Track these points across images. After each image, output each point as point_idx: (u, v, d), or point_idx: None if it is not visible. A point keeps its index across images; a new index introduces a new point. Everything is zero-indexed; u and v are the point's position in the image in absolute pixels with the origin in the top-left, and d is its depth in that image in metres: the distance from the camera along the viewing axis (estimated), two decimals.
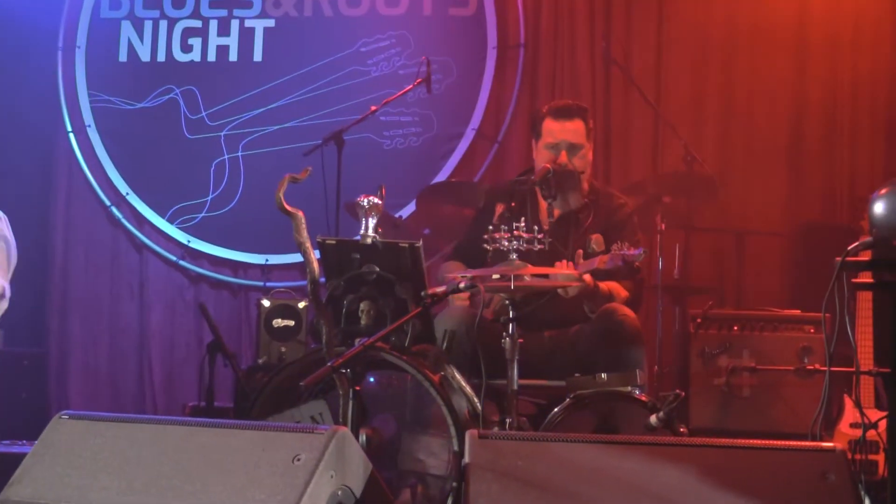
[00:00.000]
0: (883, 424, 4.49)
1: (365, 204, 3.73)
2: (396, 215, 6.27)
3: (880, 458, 4.64)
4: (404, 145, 6.72)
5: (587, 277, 4.05)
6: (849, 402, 5.04)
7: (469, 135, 6.67)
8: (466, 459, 2.77)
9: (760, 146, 6.40)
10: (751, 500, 2.69)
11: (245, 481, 2.73)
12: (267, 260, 6.76)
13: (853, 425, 5.02)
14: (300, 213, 3.56)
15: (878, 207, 3.08)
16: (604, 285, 4.21)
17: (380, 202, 3.74)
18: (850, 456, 4.03)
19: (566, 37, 6.61)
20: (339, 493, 2.70)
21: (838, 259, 3.25)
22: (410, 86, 6.12)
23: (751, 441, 2.84)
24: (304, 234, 3.57)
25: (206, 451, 2.83)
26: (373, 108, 6.03)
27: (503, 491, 2.71)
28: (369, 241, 3.73)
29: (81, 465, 2.90)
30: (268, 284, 6.61)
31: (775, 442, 2.84)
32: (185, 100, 6.85)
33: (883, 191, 3.10)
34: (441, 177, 6.62)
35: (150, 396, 6.71)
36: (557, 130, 4.47)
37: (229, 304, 6.84)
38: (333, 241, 3.81)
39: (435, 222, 5.99)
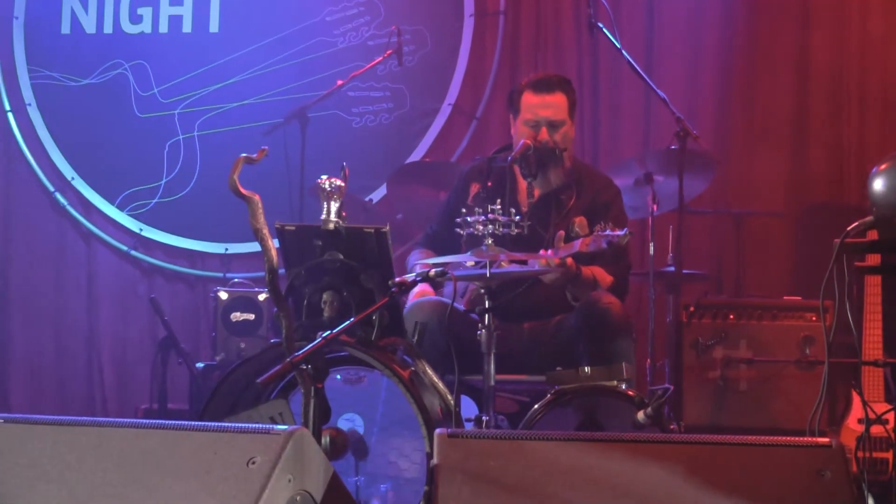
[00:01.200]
0: (892, 419, 4.55)
1: (326, 186, 3.74)
2: (366, 199, 6.28)
3: (890, 455, 4.67)
4: (374, 123, 6.72)
5: (569, 261, 4.07)
6: (857, 397, 5.07)
7: (445, 110, 6.68)
8: (435, 460, 2.79)
9: (761, 119, 6.43)
10: (740, 499, 2.72)
11: (196, 487, 2.74)
12: (227, 249, 6.77)
13: (861, 421, 5.06)
14: (256, 197, 3.56)
15: (878, 184, 3.11)
16: (587, 270, 4.23)
17: (342, 184, 3.75)
18: (859, 454, 4.10)
19: (549, 2, 6.62)
20: (298, 498, 2.71)
21: (837, 241, 3.28)
22: (380, 58, 6.13)
23: (741, 437, 2.87)
24: (261, 219, 3.57)
25: (154, 455, 2.84)
26: (339, 82, 6.05)
27: (474, 494, 2.73)
28: (331, 226, 3.74)
29: (18, 472, 2.90)
30: (228, 275, 6.62)
31: (767, 438, 2.86)
32: (135, 75, 6.85)
33: (883, 166, 3.13)
34: (415, 157, 6.63)
35: (99, 399, 6.72)
36: (537, 105, 4.49)
37: (186, 297, 6.84)
38: (293, 228, 3.82)
39: (408, 206, 6.00)
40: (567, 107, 4.51)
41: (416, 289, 4.36)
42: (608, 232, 3.87)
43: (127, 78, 6.86)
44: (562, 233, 4.13)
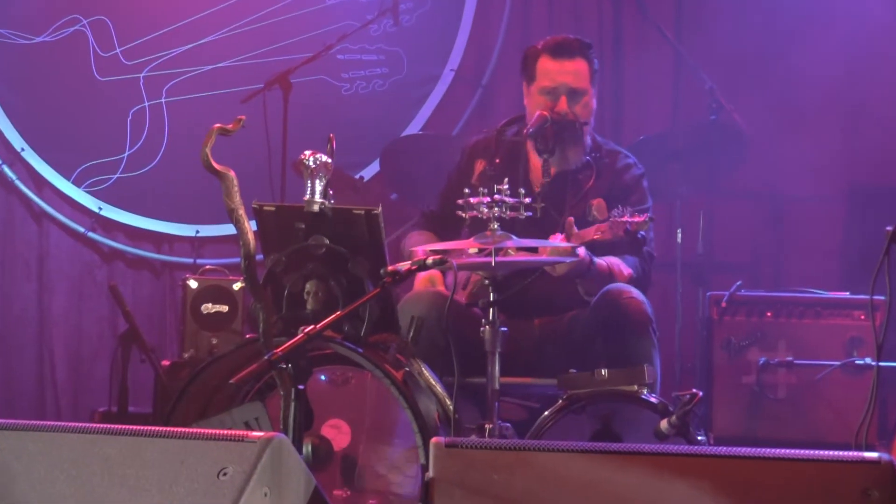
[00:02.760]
0: None
1: (310, 163, 3.74)
2: (356, 176, 6.28)
3: None
4: (367, 90, 6.72)
5: (581, 251, 4.07)
6: None
7: (447, 77, 6.68)
8: (430, 473, 2.79)
9: (805, 90, 6.42)
10: None
11: (160, 501, 2.74)
12: (198, 231, 6.77)
13: None
14: (231, 173, 3.56)
15: None
16: (602, 262, 4.23)
17: (328, 160, 3.75)
18: None
19: None
20: None
21: (890, 229, 3.29)
22: (373, 16, 6.13)
23: (778, 451, 2.87)
24: (237, 198, 3.58)
25: (112, 464, 2.84)
26: (328, 44, 6.04)
27: None
28: (316, 207, 3.74)
29: None
30: (199, 262, 6.62)
31: (808, 453, 2.87)
32: (95, 33, 6.83)
33: None
34: (412, 129, 6.63)
35: (51, 400, 6.71)
36: (555, 71, 4.50)
37: (151, 286, 6.85)
38: (273, 208, 3.83)
39: (404, 185, 6.01)
40: (589, 74, 4.52)
41: (420, 277, 4.37)
42: (627, 218, 3.87)
43: (86, 36, 6.84)
44: (571, 219, 4.13)
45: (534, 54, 4.57)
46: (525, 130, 4.39)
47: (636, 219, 3.86)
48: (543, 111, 4.42)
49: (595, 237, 3.97)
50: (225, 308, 5.74)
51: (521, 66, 4.63)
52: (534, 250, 4.03)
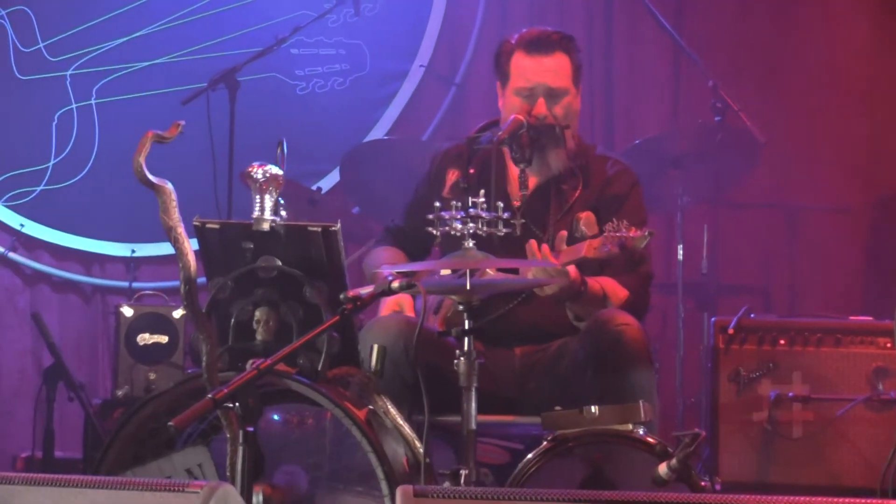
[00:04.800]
0: None
1: (258, 176, 3.74)
2: (314, 188, 6.29)
3: None
4: (324, 89, 6.75)
5: (571, 270, 4.09)
6: None
7: (415, 74, 6.71)
8: None
9: (823, 86, 6.47)
10: None
11: None
12: (133, 251, 6.78)
13: None
14: (168, 186, 3.58)
15: None
16: (594, 282, 4.25)
17: (280, 173, 3.76)
18: None
19: None
20: None
21: None
22: (332, 5, 6.15)
23: (793, 499, 2.89)
24: (175, 215, 3.60)
25: None
26: (280, 37, 6.05)
27: None
28: (266, 225, 3.75)
29: None
30: (134, 285, 6.62)
31: (827, 500, 2.89)
32: (15, 25, 6.84)
33: None
34: (376, 133, 6.66)
35: None
36: (532, 70, 4.51)
37: (80, 313, 6.84)
38: (216, 226, 3.83)
39: (367, 197, 6.02)
40: (571, 71, 4.53)
41: (386, 301, 4.38)
42: (622, 232, 3.89)
43: (4, 29, 6.85)
44: (563, 233, 4.15)
45: (507, 50, 4.58)
46: (497, 137, 4.38)
47: (633, 233, 3.86)
48: (518, 115, 4.43)
49: (586, 255, 3.98)
50: (164, 339, 5.74)
51: (493, 63, 4.64)
52: (514, 272, 4.04)
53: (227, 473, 3.43)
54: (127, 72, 6.80)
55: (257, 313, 3.81)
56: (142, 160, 3.52)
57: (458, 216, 3.79)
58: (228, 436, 3.41)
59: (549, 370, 4.37)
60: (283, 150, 3.79)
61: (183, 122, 3.54)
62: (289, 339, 3.69)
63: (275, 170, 3.75)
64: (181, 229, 3.59)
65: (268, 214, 3.75)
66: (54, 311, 6.72)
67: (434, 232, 3.83)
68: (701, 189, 5.85)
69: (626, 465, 3.82)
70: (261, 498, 3.55)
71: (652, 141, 5.89)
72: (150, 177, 3.53)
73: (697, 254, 5.85)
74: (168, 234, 3.56)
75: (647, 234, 3.89)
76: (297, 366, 3.74)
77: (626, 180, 4.57)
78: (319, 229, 3.76)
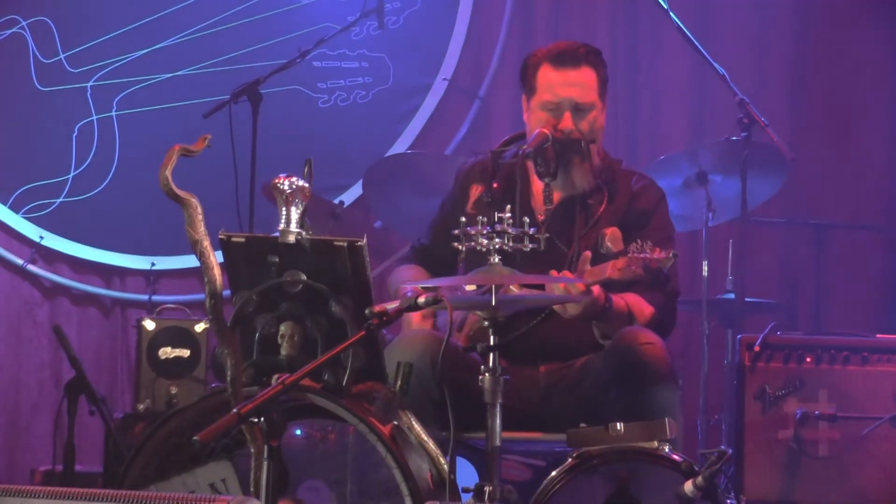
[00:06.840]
0: None
1: (285, 187, 3.76)
2: (336, 202, 6.31)
3: None
4: (347, 102, 6.76)
5: (596, 290, 4.11)
6: None
7: (439, 88, 6.73)
8: None
9: (851, 98, 6.46)
10: None
11: None
12: (153, 264, 6.80)
13: None
14: (194, 200, 3.61)
15: None
16: (619, 300, 4.26)
17: (306, 185, 3.78)
18: None
19: None
20: None
21: None
22: (355, 18, 6.17)
23: None
24: (202, 228, 3.62)
25: None
26: (303, 50, 6.08)
27: None
28: (292, 238, 3.77)
29: None
30: (155, 298, 6.64)
31: None
32: (36, 36, 6.87)
33: None
34: (399, 147, 6.68)
35: None
36: (559, 83, 4.51)
37: (100, 327, 6.86)
38: (242, 239, 3.84)
39: (390, 212, 6.03)
40: (597, 86, 4.53)
41: (409, 319, 4.39)
42: (646, 253, 3.89)
43: (25, 40, 6.88)
44: (588, 254, 4.15)
45: (534, 63, 4.58)
46: (522, 150, 4.39)
47: (658, 255, 3.86)
48: (544, 129, 4.44)
49: (610, 276, 3.99)
50: (186, 353, 5.75)
51: (520, 76, 4.65)
52: (539, 288, 4.06)
53: (251, 488, 3.45)
54: (148, 84, 6.82)
55: (282, 328, 3.81)
56: (168, 173, 3.55)
57: (484, 231, 3.80)
58: (253, 451, 3.43)
59: (574, 387, 4.38)
60: (310, 168, 3.81)
61: (210, 136, 3.56)
62: (314, 354, 3.70)
63: (301, 181, 3.76)
64: (207, 242, 3.60)
65: (293, 227, 3.77)
66: (73, 324, 6.74)
67: (459, 247, 3.85)
68: (726, 205, 5.85)
69: (652, 483, 3.83)
70: None
71: (676, 156, 5.89)
72: (177, 190, 3.56)
73: (722, 270, 5.86)
74: (194, 248, 3.58)
75: (671, 255, 3.89)
76: (322, 381, 3.75)
77: (652, 195, 4.58)
78: (345, 244, 3.76)
